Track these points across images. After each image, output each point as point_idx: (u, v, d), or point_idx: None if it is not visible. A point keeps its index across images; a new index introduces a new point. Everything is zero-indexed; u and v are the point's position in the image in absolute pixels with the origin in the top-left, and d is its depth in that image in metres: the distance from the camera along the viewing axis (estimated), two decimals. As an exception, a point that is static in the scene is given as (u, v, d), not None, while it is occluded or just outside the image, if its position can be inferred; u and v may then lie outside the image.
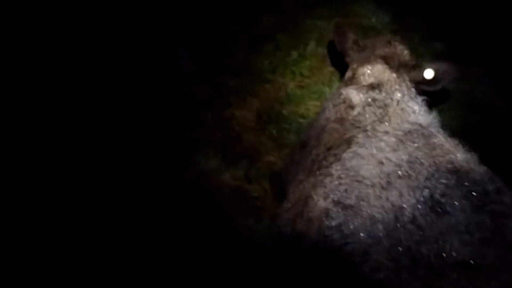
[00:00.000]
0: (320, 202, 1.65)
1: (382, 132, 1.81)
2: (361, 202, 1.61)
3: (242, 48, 3.00)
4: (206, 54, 2.97)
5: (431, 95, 2.29)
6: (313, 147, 1.95)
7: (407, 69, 2.23)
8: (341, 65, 2.53)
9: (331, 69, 2.94)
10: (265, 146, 2.63)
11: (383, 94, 1.97)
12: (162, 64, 2.90)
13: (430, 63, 2.29)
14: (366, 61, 2.25)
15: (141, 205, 2.36)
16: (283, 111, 2.78)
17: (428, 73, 2.20)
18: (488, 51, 3.01)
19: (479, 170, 1.69)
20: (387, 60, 2.24)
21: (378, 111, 1.90)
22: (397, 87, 2.02)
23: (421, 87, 2.20)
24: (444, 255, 1.48)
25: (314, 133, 2.03)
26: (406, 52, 2.31)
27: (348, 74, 2.26)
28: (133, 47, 2.94)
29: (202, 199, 2.42)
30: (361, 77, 2.10)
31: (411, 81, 2.19)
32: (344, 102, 2.01)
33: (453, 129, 2.69)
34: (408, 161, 1.69)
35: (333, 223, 1.60)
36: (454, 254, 1.48)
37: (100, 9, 3.02)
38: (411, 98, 1.96)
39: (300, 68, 2.97)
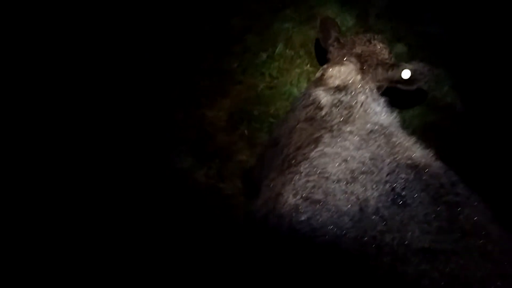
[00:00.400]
0: (290, 199, 1.75)
1: (347, 132, 1.91)
2: (328, 197, 1.71)
3: (211, 50, 3.05)
4: (177, 55, 3.01)
5: (407, 94, 2.40)
6: (283, 146, 2.04)
7: (385, 67, 2.30)
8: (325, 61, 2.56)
9: (299, 70, 3.03)
10: (237, 145, 2.70)
11: (349, 96, 2.07)
12: (133, 66, 2.92)
13: (407, 63, 2.34)
14: (342, 59, 2.32)
15: (114, 203, 2.40)
16: (254, 111, 2.86)
17: (406, 73, 2.27)
18: (446, 53, 3.15)
19: (435, 165, 1.83)
20: (363, 58, 2.31)
21: (344, 112, 2.01)
22: (361, 89, 2.11)
23: (397, 86, 2.29)
24: (406, 242, 1.62)
25: (285, 132, 2.11)
26: (385, 51, 2.39)
27: (318, 74, 2.35)
28: (103, 49, 2.96)
29: (175, 198, 2.47)
30: (330, 79, 2.19)
31: (388, 80, 2.27)
32: (313, 103, 2.10)
33: (413, 127, 2.91)
34: (371, 158, 1.81)
35: (303, 218, 1.70)
36: (415, 241, 1.62)
37: (73, 14, 3.05)
38: (374, 100, 2.07)
39: (269, 69, 3.05)
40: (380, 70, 2.29)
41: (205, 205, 2.48)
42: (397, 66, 2.31)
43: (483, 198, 1.79)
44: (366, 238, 1.63)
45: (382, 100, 2.07)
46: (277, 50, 3.14)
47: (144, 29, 3.07)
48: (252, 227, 1.96)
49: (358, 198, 1.70)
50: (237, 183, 2.56)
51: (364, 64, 2.30)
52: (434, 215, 1.68)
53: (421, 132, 2.88)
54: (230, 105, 2.85)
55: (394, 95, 2.41)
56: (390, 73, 2.29)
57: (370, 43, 2.40)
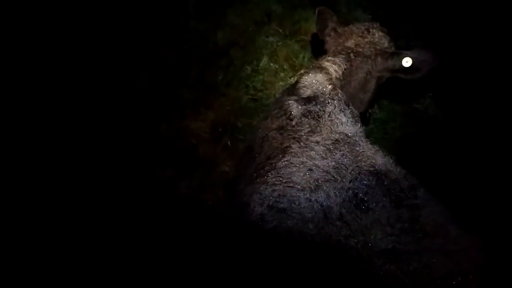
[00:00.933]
0: (256, 208, 1.81)
1: (314, 142, 1.97)
2: (293, 205, 1.78)
3: (197, 63, 3.16)
4: (162, 68, 3.11)
5: (411, 84, 2.34)
6: (256, 154, 2.11)
7: (384, 57, 2.26)
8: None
9: (283, 83, 3.13)
10: (220, 156, 2.79)
11: (318, 106, 2.11)
12: (118, 77, 3.01)
13: (409, 51, 2.25)
14: (337, 52, 2.29)
15: (99, 213, 2.47)
16: (237, 123, 2.95)
17: (406, 61, 2.20)
18: None
19: (396, 170, 1.89)
20: (355, 52, 2.27)
21: (312, 123, 2.06)
22: (330, 100, 2.13)
23: (399, 76, 2.26)
24: (370, 245, 1.68)
25: (258, 141, 2.17)
26: (384, 39, 2.34)
27: (293, 81, 2.33)
28: (89, 59, 3.04)
29: (158, 208, 2.54)
30: (301, 89, 2.19)
31: (389, 69, 2.24)
32: (285, 113, 2.14)
33: (395, 138, 3.00)
34: (335, 167, 1.87)
35: (269, 226, 1.76)
36: (378, 243, 1.68)
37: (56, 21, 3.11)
38: (340, 110, 2.11)
39: (254, 82, 3.15)
40: (379, 59, 2.26)
41: (187, 215, 2.54)
42: (398, 55, 2.24)
43: (458, 203, 1.87)
44: (331, 243, 1.69)
45: (348, 110, 2.13)
46: (261, 64, 3.23)
47: (129, 42, 3.17)
48: (226, 237, 2.02)
49: (322, 205, 1.76)
50: (220, 194, 2.63)
51: (356, 57, 2.26)
52: (396, 218, 1.74)
53: (403, 143, 2.99)
54: (214, 117, 2.95)
55: (398, 85, 2.37)
56: (390, 62, 2.25)
57: (369, 32, 2.34)
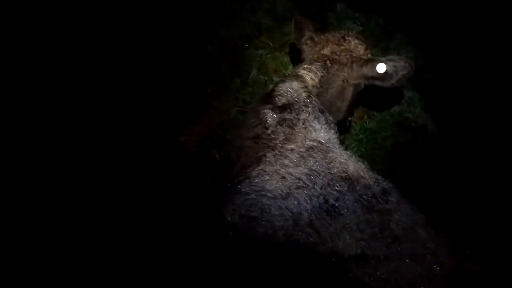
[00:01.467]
0: (229, 218, 1.83)
1: (289, 150, 1.99)
2: (264, 214, 1.79)
3: (185, 75, 3.20)
4: (148, 84, 3.15)
5: (387, 91, 2.35)
6: (232, 165, 2.13)
7: (359, 64, 2.29)
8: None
9: (271, 96, 3.13)
10: (207, 169, 2.80)
11: (293, 114, 2.11)
12: (104, 92, 3.04)
13: (385, 57, 2.29)
14: (313, 61, 2.32)
15: (91, 227, 2.49)
16: (226, 135, 2.97)
17: (380, 67, 2.24)
18: (418, 76, 3.25)
19: (368, 176, 1.89)
20: (331, 59, 2.30)
21: (287, 130, 2.07)
22: (304, 107, 2.14)
23: (375, 83, 2.29)
24: (339, 251, 1.69)
25: (234, 150, 2.20)
26: (360, 47, 2.36)
27: (267, 90, 2.36)
28: (75, 75, 3.09)
29: (145, 225, 2.55)
30: (277, 98, 2.19)
31: (364, 76, 2.27)
32: (260, 122, 2.14)
33: (386, 147, 3.00)
34: (307, 174, 1.88)
35: (240, 236, 1.77)
36: (347, 249, 1.69)
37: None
38: (315, 117, 2.11)
39: (243, 94, 3.18)
40: (355, 67, 2.29)
41: (175, 231, 2.54)
42: (373, 61, 2.28)
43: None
44: (299, 251, 1.70)
45: (323, 117, 2.13)
46: (250, 76, 3.27)
47: (118, 56, 3.22)
48: (202, 247, 2.04)
49: (292, 213, 1.77)
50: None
51: (333, 64, 2.30)
52: (366, 223, 1.74)
53: (394, 152, 3.00)
54: (202, 130, 2.96)
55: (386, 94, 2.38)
56: (365, 69, 2.28)
57: (345, 40, 2.37)
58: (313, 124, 2.08)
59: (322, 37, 2.44)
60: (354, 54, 2.33)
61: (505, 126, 3.00)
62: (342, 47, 2.35)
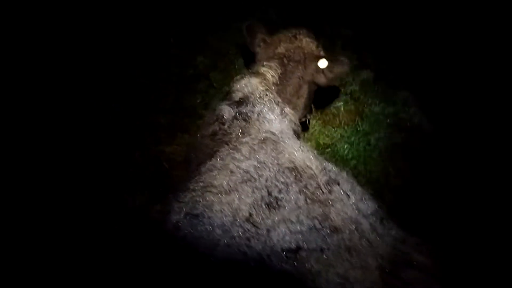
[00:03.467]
0: (173, 216, 1.77)
1: (242, 143, 1.91)
2: (206, 210, 1.71)
3: (175, 88, 3.21)
4: (137, 95, 3.16)
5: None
6: (192, 164, 2.08)
7: (311, 59, 2.32)
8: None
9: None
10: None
11: (248, 107, 2.06)
12: (92, 104, 3.05)
13: (330, 55, 2.36)
14: (267, 60, 2.34)
15: (69, 241, 2.44)
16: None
17: (322, 63, 2.29)
18: (412, 76, 3.26)
19: (315, 166, 1.76)
20: (287, 57, 2.32)
21: (243, 124, 2.00)
22: (259, 99, 2.08)
23: (319, 79, 2.32)
24: (272, 245, 1.60)
25: (194, 150, 2.17)
26: (311, 44, 2.38)
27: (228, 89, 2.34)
28: (62, 85, 3.12)
29: (130, 236, 2.51)
30: (234, 93, 2.17)
31: (313, 72, 2.31)
32: (217, 119, 2.12)
33: (380, 148, 2.87)
34: (255, 167, 1.79)
35: (181, 234, 1.69)
36: (281, 242, 1.61)
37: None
38: (269, 108, 2.02)
39: (233, 104, 3.11)
40: (307, 63, 2.32)
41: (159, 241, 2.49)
42: (320, 58, 2.32)
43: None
44: (234, 246, 1.62)
45: (278, 109, 2.03)
46: (241, 86, 3.20)
47: (108, 65, 3.25)
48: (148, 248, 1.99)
49: (231, 208, 1.68)
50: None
51: (289, 62, 2.31)
52: (306, 215, 1.64)
53: (388, 152, 2.93)
54: (190, 140, 2.92)
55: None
56: (313, 65, 2.32)
57: (296, 38, 2.39)
58: (267, 116, 2.01)
59: (275, 37, 2.45)
60: (306, 51, 2.34)
61: (500, 126, 2.95)
62: (294, 45, 2.36)
